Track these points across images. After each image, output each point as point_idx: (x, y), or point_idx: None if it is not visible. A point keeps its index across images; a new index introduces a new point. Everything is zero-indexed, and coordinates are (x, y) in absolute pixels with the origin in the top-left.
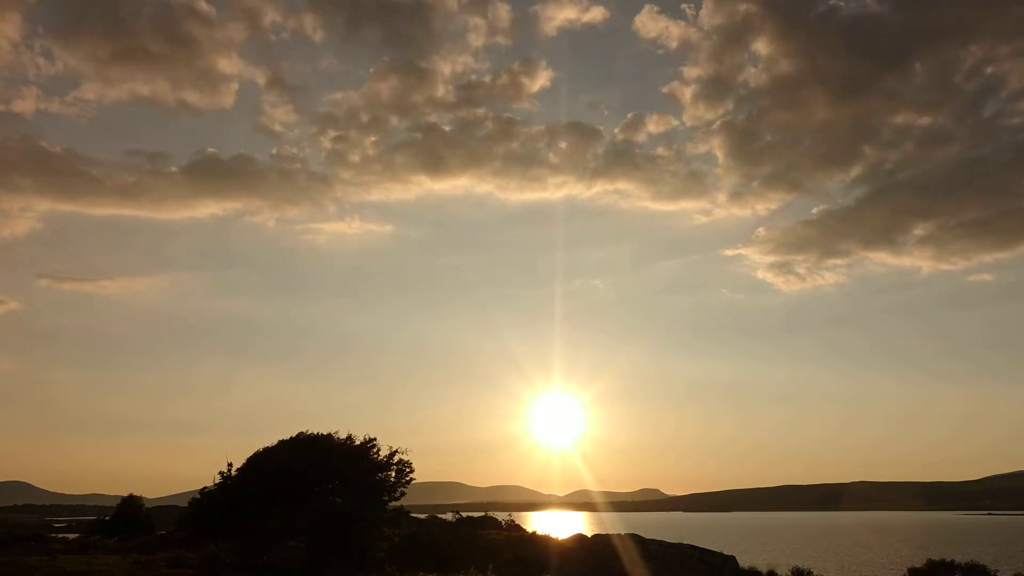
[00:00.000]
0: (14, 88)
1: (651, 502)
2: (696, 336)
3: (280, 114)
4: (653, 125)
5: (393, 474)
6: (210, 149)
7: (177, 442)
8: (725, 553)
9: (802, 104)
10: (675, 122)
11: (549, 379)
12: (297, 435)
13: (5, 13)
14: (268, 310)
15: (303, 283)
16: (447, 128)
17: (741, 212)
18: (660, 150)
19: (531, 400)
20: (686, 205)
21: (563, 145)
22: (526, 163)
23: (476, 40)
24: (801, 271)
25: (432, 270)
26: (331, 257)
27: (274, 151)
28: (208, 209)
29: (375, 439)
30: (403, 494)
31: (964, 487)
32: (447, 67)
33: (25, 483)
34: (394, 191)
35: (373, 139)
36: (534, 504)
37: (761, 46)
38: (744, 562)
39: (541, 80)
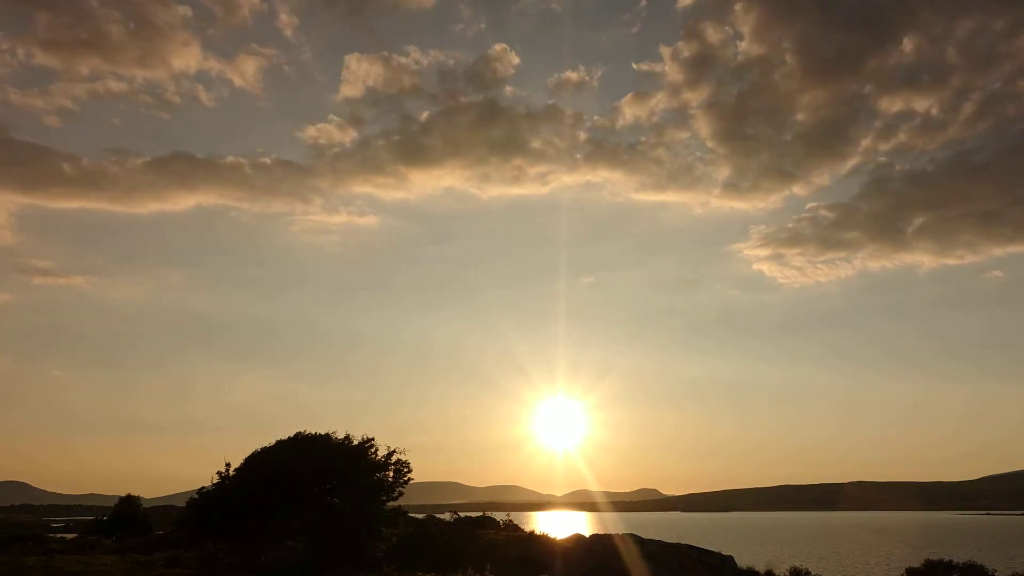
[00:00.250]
0: None
1: (649, 502)
2: (693, 335)
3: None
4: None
5: (391, 474)
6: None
7: (175, 442)
8: (723, 553)
9: (789, 85)
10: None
11: (550, 380)
12: (295, 435)
13: None
14: (268, 309)
15: (296, 281)
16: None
17: (736, 205)
18: (646, 138)
19: (529, 399)
20: (678, 197)
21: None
22: (510, 151)
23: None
24: (799, 268)
25: (419, 265)
26: (322, 253)
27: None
28: (185, 203)
29: (373, 439)
30: (401, 494)
31: (962, 487)
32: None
33: (23, 483)
34: (376, 184)
35: (353, 130)
36: (532, 504)
37: (742, 20)
38: (742, 562)
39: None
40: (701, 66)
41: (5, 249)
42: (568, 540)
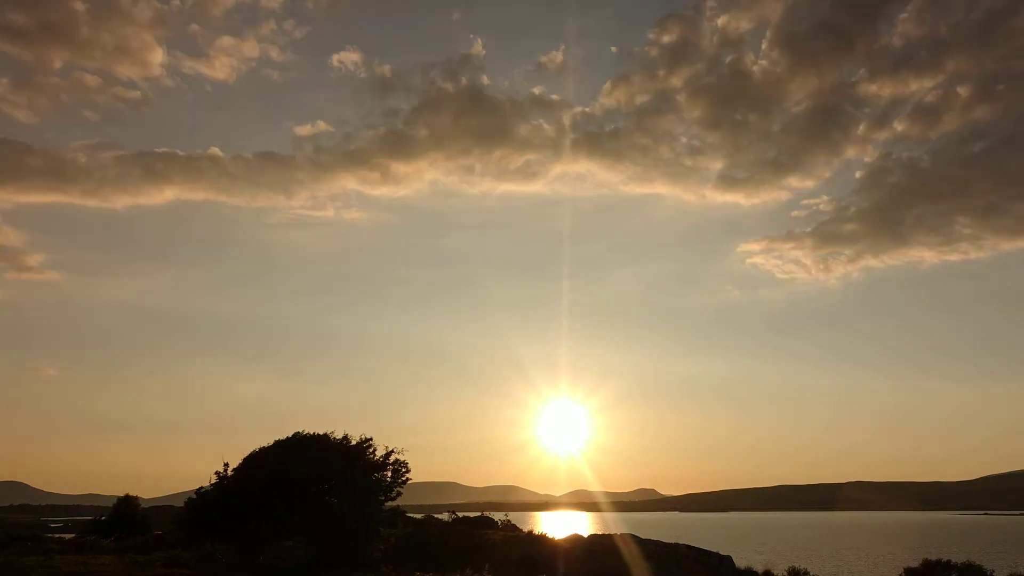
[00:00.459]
0: None
1: (647, 502)
2: (690, 335)
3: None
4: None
5: (389, 474)
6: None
7: (174, 442)
8: (721, 553)
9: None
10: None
11: (550, 381)
12: (293, 435)
13: None
14: (266, 308)
15: (288, 277)
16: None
17: (731, 199)
18: (631, 125)
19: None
20: (669, 189)
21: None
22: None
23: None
24: (797, 265)
25: (410, 262)
26: (309, 248)
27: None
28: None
29: (371, 439)
30: (399, 494)
31: (960, 487)
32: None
33: (21, 483)
34: (360, 177)
35: (341, 123)
36: (531, 504)
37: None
38: (740, 562)
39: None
40: (683, 50)
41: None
42: (567, 540)
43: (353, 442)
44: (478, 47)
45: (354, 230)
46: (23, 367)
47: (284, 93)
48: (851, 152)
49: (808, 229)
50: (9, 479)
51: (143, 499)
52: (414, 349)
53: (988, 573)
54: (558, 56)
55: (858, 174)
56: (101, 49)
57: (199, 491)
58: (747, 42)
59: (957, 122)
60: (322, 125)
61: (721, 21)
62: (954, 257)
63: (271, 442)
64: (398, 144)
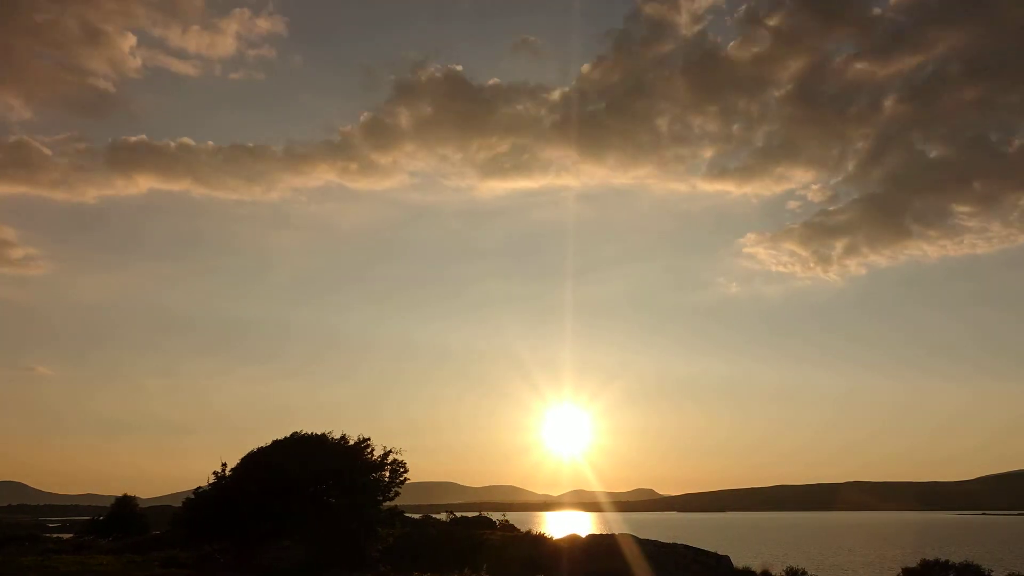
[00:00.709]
0: None
1: (645, 502)
2: (687, 334)
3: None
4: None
5: (387, 474)
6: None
7: (172, 442)
8: (719, 553)
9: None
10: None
11: (555, 385)
12: (291, 435)
13: None
14: (260, 307)
15: (280, 273)
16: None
17: (726, 193)
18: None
19: (523, 396)
20: (659, 181)
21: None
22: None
23: None
24: (796, 265)
25: (396, 257)
26: (294, 243)
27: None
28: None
29: (369, 439)
30: (397, 494)
31: (959, 487)
32: None
33: (19, 483)
34: (340, 169)
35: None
36: (528, 504)
37: None
38: (738, 562)
39: None
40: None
41: None
42: (565, 540)
43: (351, 442)
44: (456, 32)
45: (341, 224)
46: (15, 365)
47: (260, 84)
48: (844, 138)
49: (802, 222)
50: (7, 479)
51: (141, 499)
52: (409, 348)
53: (986, 573)
54: (536, 39)
55: (851, 163)
56: (67, 36)
57: (197, 491)
58: (726, 19)
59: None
60: (302, 116)
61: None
62: (955, 252)
63: (269, 442)
64: (378, 134)
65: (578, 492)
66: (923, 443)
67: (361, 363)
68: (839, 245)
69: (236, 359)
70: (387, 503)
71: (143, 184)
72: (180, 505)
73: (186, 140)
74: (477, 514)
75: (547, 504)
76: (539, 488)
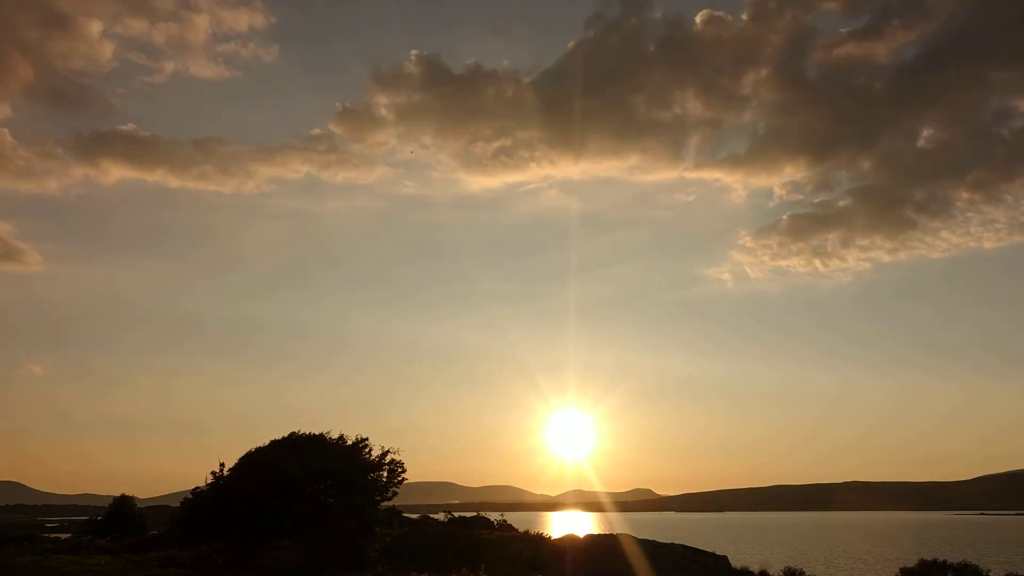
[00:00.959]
0: None
1: (643, 502)
2: (686, 333)
3: None
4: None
5: (385, 474)
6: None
7: (171, 442)
8: (717, 553)
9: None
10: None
11: (559, 388)
12: (289, 435)
13: None
14: (258, 306)
15: (275, 270)
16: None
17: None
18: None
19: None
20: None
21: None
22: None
23: None
24: (794, 263)
25: (391, 255)
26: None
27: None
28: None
29: (367, 439)
30: (395, 494)
31: (956, 487)
32: None
33: (17, 483)
34: (320, 164)
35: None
36: (526, 504)
37: None
38: (736, 562)
39: None
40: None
41: None
42: (563, 540)
43: (349, 442)
44: (432, 17)
45: (330, 219)
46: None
47: (235, 74)
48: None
49: (795, 218)
50: (5, 479)
51: (139, 499)
52: (403, 347)
53: (984, 573)
54: (515, 22)
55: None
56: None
57: (195, 491)
58: None
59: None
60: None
61: None
62: (959, 243)
63: (267, 442)
64: (358, 123)
65: (576, 492)
66: (921, 443)
67: (359, 362)
68: (833, 237)
69: (237, 359)
70: (385, 503)
71: (116, 174)
72: (178, 505)
73: (158, 131)
74: (475, 514)
75: (545, 504)
76: (537, 488)
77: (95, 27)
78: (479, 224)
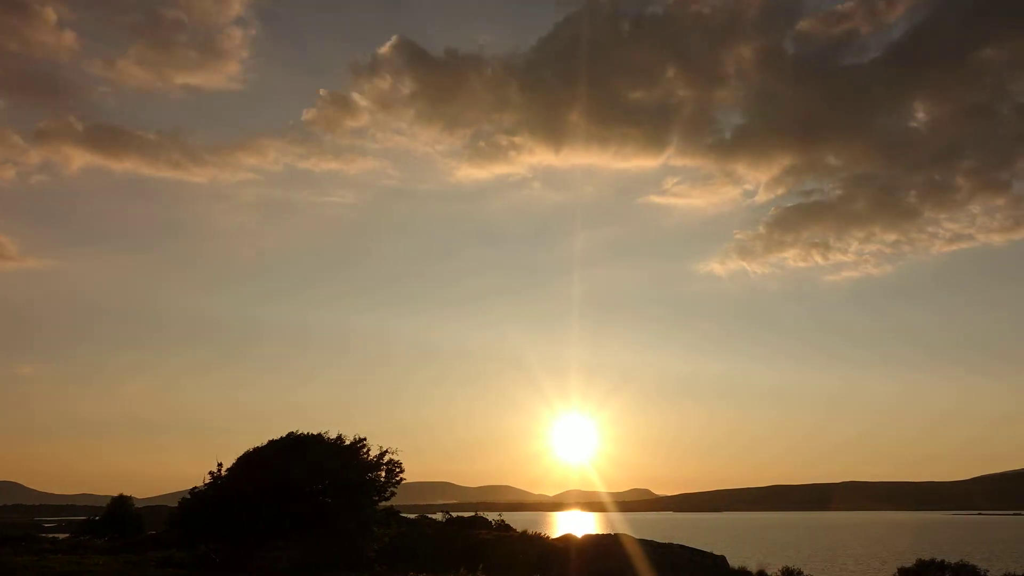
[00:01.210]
0: None
1: (641, 502)
2: (684, 333)
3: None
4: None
5: (383, 474)
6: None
7: (169, 442)
8: (715, 553)
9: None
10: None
11: (555, 386)
12: (287, 435)
13: None
14: (257, 306)
15: (273, 268)
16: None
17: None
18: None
19: (518, 394)
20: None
21: None
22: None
23: None
24: (793, 262)
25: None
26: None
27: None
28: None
29: (365, 439)
30: (393, 494)
31: (954, 487)
32: None
33: (15, 483)
34: (312, 161)
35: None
36: (525, 504)
37: None
38: (734, 562)
39: None
40: None
41: None
42: (561, 540)
43: (347, 442)
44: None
45: (322, 214)
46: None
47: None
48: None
49: (803, 218)
50: (3, 479)
51: (137, 499)
52: (401, 347)
53: (982, 573)
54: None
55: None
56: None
57: (193, 491)
58: None
59: None
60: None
61: None
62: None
63: (265, 442)
64: (343, 112)
65: (574, 492)
66: (919, 443)
67: (357, 362)
68: (830, 232)
69: (241, 360)
70: (383, 503)
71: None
72: (176, 505)
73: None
74: (473, 514)
75: (543, 504)
76: (535, 488)
77: (52, 15)
78: (465, 215)
